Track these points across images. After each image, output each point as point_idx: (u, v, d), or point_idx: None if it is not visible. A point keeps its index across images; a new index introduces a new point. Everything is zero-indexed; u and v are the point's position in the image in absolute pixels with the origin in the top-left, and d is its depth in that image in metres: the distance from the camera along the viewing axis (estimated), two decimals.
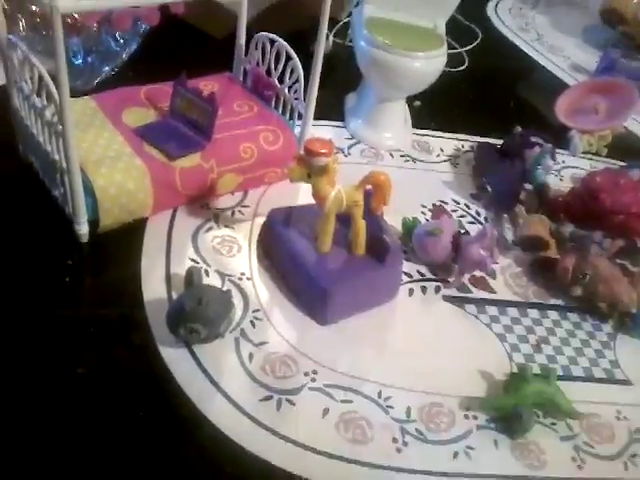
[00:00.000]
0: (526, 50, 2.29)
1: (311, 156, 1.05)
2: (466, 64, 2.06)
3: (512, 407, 1.05)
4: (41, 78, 1.01)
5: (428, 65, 1.48)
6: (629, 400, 1.16)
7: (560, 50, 2.34)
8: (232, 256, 1.22)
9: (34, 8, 1.34)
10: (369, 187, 1.12)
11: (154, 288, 1.12)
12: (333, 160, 1.06)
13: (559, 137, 1.77)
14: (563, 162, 1.71)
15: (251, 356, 1.06)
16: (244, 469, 0.93)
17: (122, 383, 0.99)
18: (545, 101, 1.89)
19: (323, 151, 1.04)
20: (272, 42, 1.38)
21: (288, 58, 1.35)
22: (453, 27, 2.15)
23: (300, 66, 1.33)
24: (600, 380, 1.18)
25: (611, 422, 1.11)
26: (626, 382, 1.19)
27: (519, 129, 1.60)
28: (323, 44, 1.29)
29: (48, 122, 1.07)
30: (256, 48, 1.43)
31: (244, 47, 1.47)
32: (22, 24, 1.51)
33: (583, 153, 1.77)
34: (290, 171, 1.07)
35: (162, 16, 1.37)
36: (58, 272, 1.11)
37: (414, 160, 1.59)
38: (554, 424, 1.08)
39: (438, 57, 1.49)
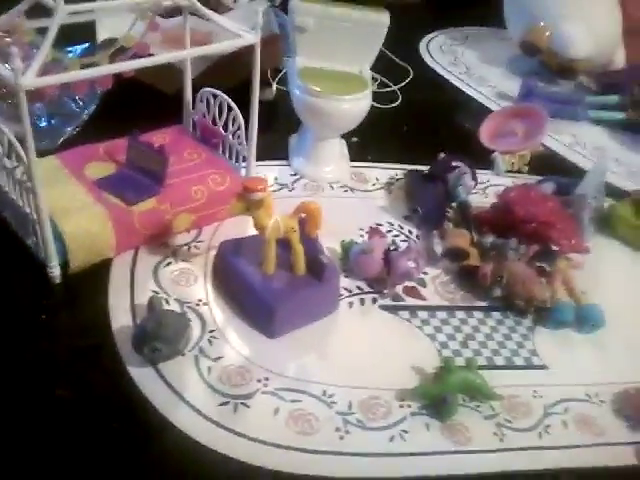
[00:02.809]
0: (456, 83, 2.51)
1: (248, 192, 1.22)
2: (399, 100, 2.27)
3: (439, 394, 1.22)
4: (10, 143, 1.18)
5: (354, 106, 1.68)
6: (544, 381, 1.33)
7: (486, 81, 2.57)
8: (190, 286, 1.38)
9: None
10: (303, 215, 1.29)
11: (121, 318, 1.28)
12: (268, 194, 1.24)
13: (485, 159, 1.98)
14: (488, 181, 1.91)
15: (209, 369, 1.21)
16: (206, 464, 1.07)
17: (97, 401, 1.14)
18: (473, 128, 2.09)
19: (258, 187, 1.22)
20: (214, 96, 1.57)
21: (230, 109, 1.54)
22: (388, 67, 2.38)
23: (240, 116, 1.52)
24: (520, 367, 1.35)
25: (528, 401, 1.28)
26: (543, 367, 1.36)
27: (442, 155, 1.79)
28: (257, 95, 1.48)
29: (18, 180, 1.23)
30: (201, 101, 1.62)
31: (191, 102, 1.66)
32: None
33: (506, 172, 1.97)
34: (232, 207, 1.25)
35: (116, 78, 1.52)
36: (35, 311, 1.26)
37: (352, 190, 1.78)
38: (478, 406, 1.25)
39: (363, 99, 1.69)
